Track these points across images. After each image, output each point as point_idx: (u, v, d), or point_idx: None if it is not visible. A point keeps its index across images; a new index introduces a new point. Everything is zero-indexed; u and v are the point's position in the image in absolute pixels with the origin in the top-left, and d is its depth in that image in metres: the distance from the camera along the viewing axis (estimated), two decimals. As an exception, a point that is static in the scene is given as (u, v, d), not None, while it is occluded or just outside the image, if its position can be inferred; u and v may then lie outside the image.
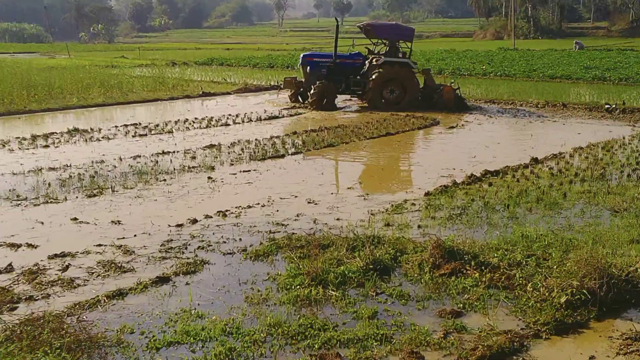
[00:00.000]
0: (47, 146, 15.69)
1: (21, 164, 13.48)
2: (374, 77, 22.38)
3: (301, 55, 23.95)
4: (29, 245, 8.44)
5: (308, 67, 22.94)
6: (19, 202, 10.58)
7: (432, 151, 15.30)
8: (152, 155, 14.38)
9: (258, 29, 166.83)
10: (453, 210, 9.84)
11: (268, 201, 10.62)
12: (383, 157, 14.56)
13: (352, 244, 8.05)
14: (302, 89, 23.64)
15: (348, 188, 11.57)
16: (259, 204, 10.46)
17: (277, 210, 10.07)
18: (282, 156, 14.34)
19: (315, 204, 10.49)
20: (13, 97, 24.80)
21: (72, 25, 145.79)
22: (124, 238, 8.74)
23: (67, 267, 7.66)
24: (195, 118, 20.28)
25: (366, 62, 23.27)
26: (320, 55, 23.90)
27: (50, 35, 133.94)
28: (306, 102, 23.18)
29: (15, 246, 8.41)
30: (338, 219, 9.56)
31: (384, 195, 11.11)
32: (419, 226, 9.13)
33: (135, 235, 8.86)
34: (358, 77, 23.07)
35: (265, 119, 20.21)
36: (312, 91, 22.38)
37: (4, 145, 15.74)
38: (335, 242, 8.24)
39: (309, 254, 7.82)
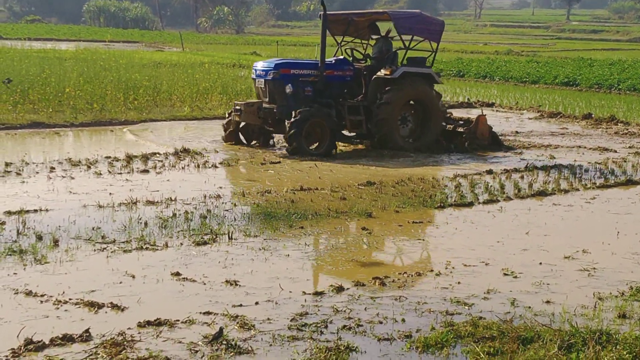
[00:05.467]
0: (145, 171, 16.44)
1: (110, 194, 14.14)
2: (387, 99, 19.65)
3: (264, 65, 20.48)
4: (114, 307, 8.77)
5: (289, 85, 19.70)
6: (105, 245, 11.05)
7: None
8: (287, 191, 14.71)
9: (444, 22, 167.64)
10: None
11: (446, 268, 10.56)
12: (620, 215, 14.12)
13: (567, 341, 7.81)
14: (244, 123, 20.52)
15: (565, 257, 11.28)
16: (432, 271, 10.43)
17: (459, 283, 9.98)
18: (470, 204, 14.28)
19: (515, 277, 10.32)
20: (105, 102, 26.17)
21: (188, 7, 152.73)
22: (241, 306, 8.92)
23: (163, 340, 7.88)
24: (344, 145, 20.63)
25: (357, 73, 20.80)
26: (299, 65, 20.83)
27: (159, 20, 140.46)
28: (254, 142, 20.75)
29: (95, 306, 8.77)
30: (548, 302, 9.35)
31: (620, 272, 10.74)
32: (672, 321, 8.77)
33: (257, 303, 9.03)
34: (353, 99, 20.46)
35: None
36: (291, 122, 18.92)
37: (89, 167, 16.60)
38: (542, 335, 8.03)
39: (502, 349, 7.68)
